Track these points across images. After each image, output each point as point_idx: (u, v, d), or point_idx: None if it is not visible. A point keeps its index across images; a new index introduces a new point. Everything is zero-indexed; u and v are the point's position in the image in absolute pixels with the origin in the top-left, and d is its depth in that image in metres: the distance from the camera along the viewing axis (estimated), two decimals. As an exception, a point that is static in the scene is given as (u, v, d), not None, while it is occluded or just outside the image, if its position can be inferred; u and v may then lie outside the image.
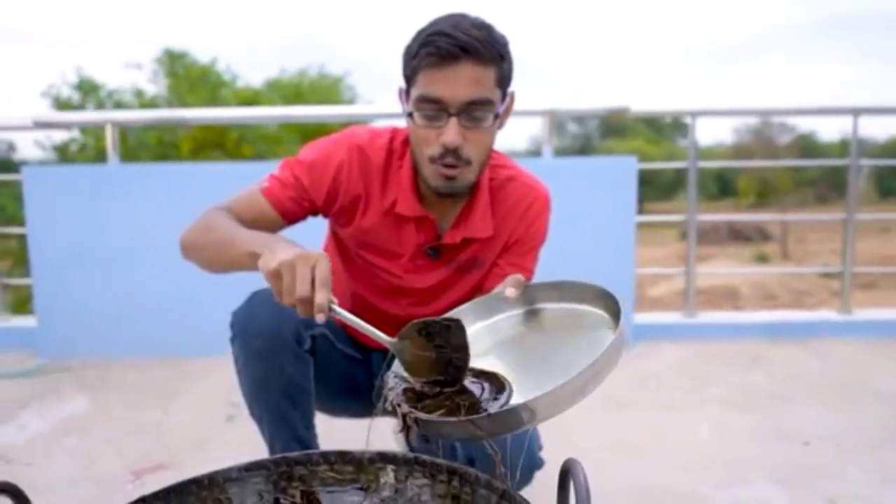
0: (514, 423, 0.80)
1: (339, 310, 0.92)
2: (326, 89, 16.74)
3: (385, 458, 0.94)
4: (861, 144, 3.01)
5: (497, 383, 0.94)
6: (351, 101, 17.20)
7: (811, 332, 2.97)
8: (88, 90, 15.09)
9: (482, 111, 1.13)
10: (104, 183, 2.84)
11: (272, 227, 1.23)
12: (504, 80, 1.16)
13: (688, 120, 2.96)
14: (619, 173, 2.77)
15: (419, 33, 1.13)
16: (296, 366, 1.25)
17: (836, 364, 2.66)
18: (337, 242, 1.37)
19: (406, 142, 1.27)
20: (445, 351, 0.90)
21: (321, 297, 0.89)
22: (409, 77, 1.15)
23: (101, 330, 2.85)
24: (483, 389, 0.93)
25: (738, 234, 23.48)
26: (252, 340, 1.23)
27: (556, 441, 1.27)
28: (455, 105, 1.11)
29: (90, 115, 4.77)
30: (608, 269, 2.77)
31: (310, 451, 0.94)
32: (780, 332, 2.96)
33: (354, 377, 1.46)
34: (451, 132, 1.12)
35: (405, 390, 0.94)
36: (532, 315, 1.09)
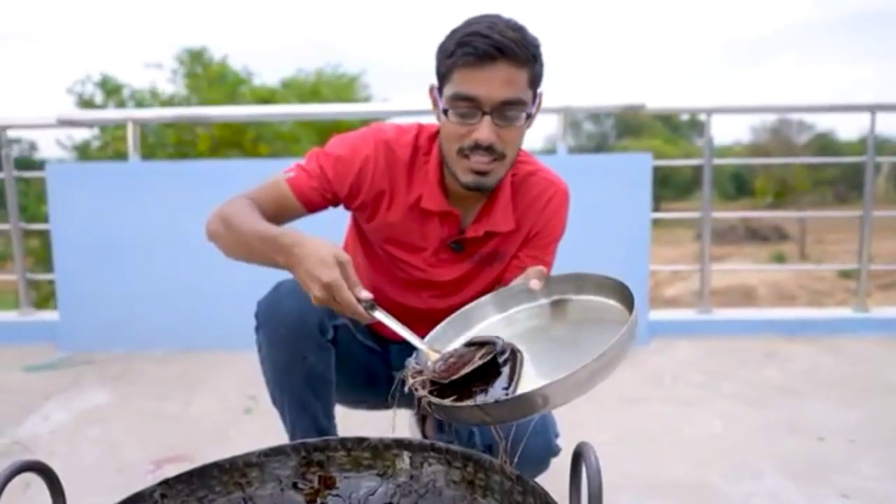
0: (524, 410, 0.82)
1: (377, 311, 1.00)
2: (342, 88, 16.82)
3: (401, 444, 0.96)
4: (880, 142, 2.99)
5: (511, 363, 0.97)
6: (366, 100, 17.27)
7: (827, 329, 2.96)
8: (111, 90, 15.28)
9: (515, 111, 1.15)
10: (125, 180, 2.89)
11: (294, 215, 1.28)
12: (536, 81, 1.19)
13: (703, 117, 2.97)
14: (635, 170, 2.78)
15: (454, 32, 1.16)
16: (318, 354, 1.28)
17: (850, 360, 2.66)
18: (360, 235, 1.40)
19: (431, 138, 1.30)
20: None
21: (359, 319, 1.00)
22: (444, 75, 1.18)
23: (123, 323, 2.91)
24: (497, 375, 0.95)
25: (755, 234, 23.32)
26: (277, 328, 1.26)
27: (570, 434, 1.29)
28: (489, 104, 1.14)
29: (112, 114, 4.86)
30: (623, 265, 2.77)
31: (328, 437, 0.97)
32: (796, 330, 2.96)
33: (373, 369, 1.49)
34: (485, 130, 1.15)
35: (423, 378, 0.96)
36: (552, 307, 1.11)
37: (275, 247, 1.08)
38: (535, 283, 1.08)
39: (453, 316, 1.11)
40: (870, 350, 2.78)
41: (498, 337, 0.99)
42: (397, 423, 1.92)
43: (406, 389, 0.95)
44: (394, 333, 1.45)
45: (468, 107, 1.15)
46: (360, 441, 0.97)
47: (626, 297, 0.99)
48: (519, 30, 1.15)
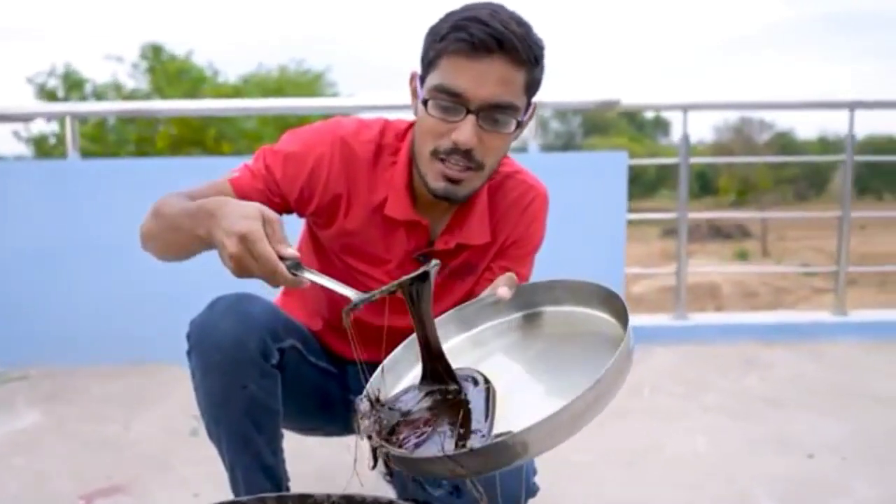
0: (503, 459, 0.68)
1: (304, 271, 0.86)
2: (307, 85, 16.50)
3: (352, 501, 0.80)
4: (837, 142, 2.92)
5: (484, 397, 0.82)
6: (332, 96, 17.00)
7: (805, 333, 2.87)
8: (73, 84, 14.76)
9: (505, 116, 1.00)
10: (63, 179, 2.67)
11: None
12: (533, 88, 1.04)
13: (670, 115, 2.85)
14: (610, 169, 2.65)
15: (450, 15, 1.00)
16: (260, 382, 1.10)
17: (833, 367, 2.56)
18: (314, 244, 1.24)
19: (400, 136, 1.14)
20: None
21: (283, 282, 0.85)
22: (431, 61, 1.02)
23: (62, 336, 2.68)
24: (469, 409, 0.80)
25: (718, 232, 23.59)
26: (211, 353, 1.08)
27: (546, 456, 1.14)
28: (477, 102, 0.98)
29: (49, 107, 4.52)
30: (598, 267, 2.65)
31: (263, 496, 0.80)
32: (774, 334, 2.86)
33: (328, 392, 1.32)
34: (467, 131, 0.99)
35: (380, 416, 0.81)
36: (525, 321, 0.96)
37: (198, 216, 0.93)
38: (503, 291, 0.94)
39: (412, 338, 0.96)
40: (851, 356, 2.69)
41: (476, 373, 0.83)
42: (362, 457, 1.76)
43: (360, 437, 0.79)
44: (351, 353, 1.29)
45: (452, 101, 0.99)
46: (302, 499, 0.81)
47: (612, 307, 0.85)
48: (524, 25, 0.99)
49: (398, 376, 0.96)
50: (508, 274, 0.96)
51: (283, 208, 1.13)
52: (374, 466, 0.77)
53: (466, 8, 0.99)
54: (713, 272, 15.17)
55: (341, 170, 1.11)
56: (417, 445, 0.76)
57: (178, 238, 1.00)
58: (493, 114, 0.99)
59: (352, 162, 1.12)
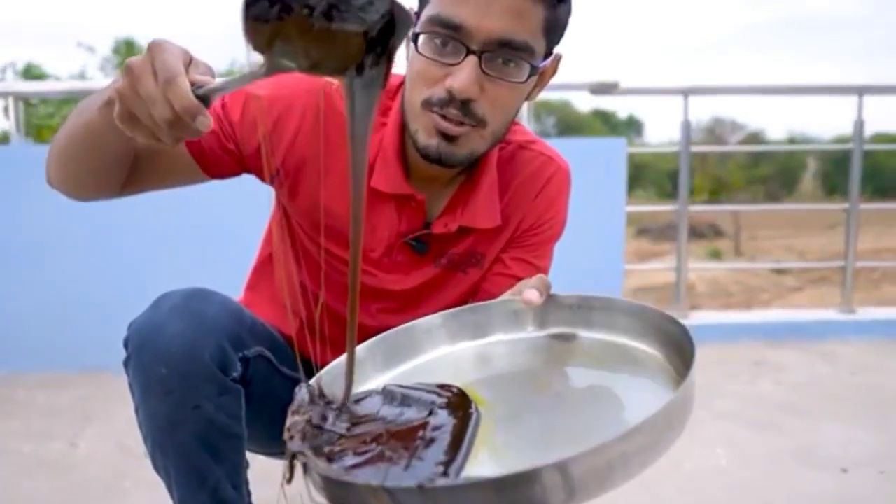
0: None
1: (216, 86, 0.58)
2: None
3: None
4: (804, 140, 2.78)
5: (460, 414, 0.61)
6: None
7: (813, 333, 2.71)
8: (35, 77, 14.25)
9: (516, 59, 0.79)
10: (7, 167, 2.40)
11: (187, 177, 0.90)
12: (554, 30, 0.82)
13: (677, 100, 2.67)
14: (608, 157, 2.46)
15: None
16: (218, 401, 0.86)
17: (847, 370, 2.40)
18: (285, 220, 1.01)
19: (391, 94, 0.92)
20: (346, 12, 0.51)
21: (178, 101, 0.57)
22: None
23: (5, 339, 2.41)
24: (438, 434, 0.59)
25: (691, 230, 23.70)
26: (154, 366, 0.84)
27: None
28: (480, 39, 0.77)
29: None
30: (595, 261, 2.46)
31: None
32: (780, 334, 2.70)
33: None
34: (464, 75, 0.78)
35: (319, 415, 0.62)
36: (549, 342, 0.75)
37: (107, 94, 0.69)
38: (531, 295, 0.73)
39: (388, 333, 0.77)
40: (864, 356, 2.54)
41: (462, 391, 0.63)
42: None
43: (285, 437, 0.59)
44: (323, 358, 1.06)
45: (448, 36, 0.77)
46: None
47: (671, 342, 0.64)
48: None
49: (365, 378, 0.74)
50: (540, 276, 0.75)
51: (238, 159, 0.90)
52: (290, 480, 0.57)
53: None
54: (714, 269, 15.06)
55: (316, 125, 0.89)
56: (354, 466, 0.54)
57: (82, 125, 0.77)
58: (499, 54, 0.78)
59: (331, 118, 0.89)
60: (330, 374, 0.69)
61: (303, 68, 0.53)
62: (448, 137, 0.82)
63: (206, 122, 0.58)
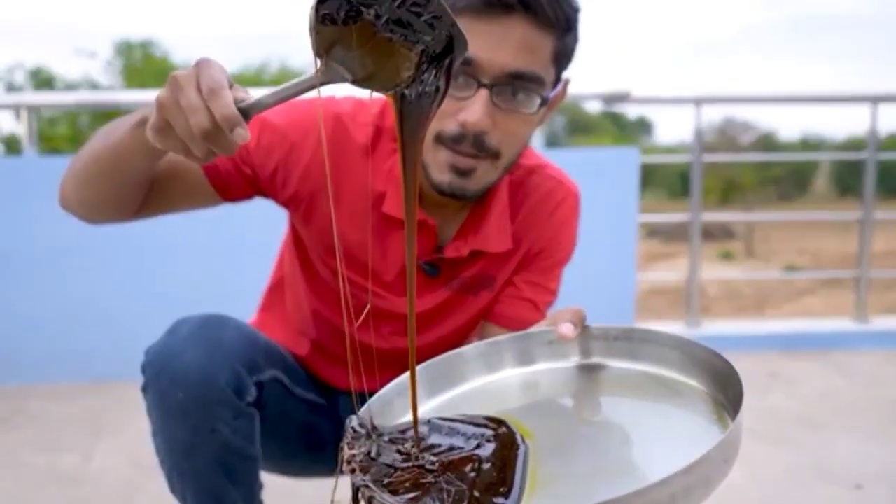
0: None
1: (257, 101, 0.59)
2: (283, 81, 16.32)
3: None
4: (817, 142, 2.75)
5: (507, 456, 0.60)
6: (314, 97, 16.81)
7: (826, 343, 2.69)
8: (42, 81, 14.37)
9: (526, 90, 0.80)
10: (19, 178, 2.41)
11: (200, 197, 0.91)
12: (563, 58, 0.84)
13: (688, 109, 2.66)
14: (621, 166, 2.45)
15: None
16: (234, 425, 0.89)
17: (864, 382, 2.38)
18: (297, 244, 1.02)
19: None
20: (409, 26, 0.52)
21: (220, 110, 0.57)
22: None
23: (17, 350, 2.43)
24: (491, 467, 0.59)
25: (702, 232, 23.60)
26: (172, 391, 0.86)
27: None
28: (492, 73, 0.78)
29: (2, 98, 4.25)
30: (609, 272, 2.45)
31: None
32: (794, 344, 2.68)
33: (317, 429, 1.11)
34: (477, 109, 0.79)
35: (373, 448, 0.61)
36: (591, 372, 0.74)
37: (139, 115, 0.72)
38: (566, 329, 0.72)
39: (433, 361, 0.76)
40: (879, 368, 2.51)
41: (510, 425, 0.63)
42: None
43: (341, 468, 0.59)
44: (347, 381, 1.07)
45: (461, 71, 0.78)
46: None
47: (713, 374, 0.64)
48: None
49: (405, 409, 0.74)
50: (576, 309, 0.74)
51: (254, 184, 0.91)
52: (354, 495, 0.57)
53: None
54: (725, 275, 14.97)
55: (330, 153, 0.91)
56: (415, 500, 0.54)
57: (108, 147, 0.78)
58: (511, 87, 0.79)
59: (344, 145, 0.91)
60: (378, 404, 0.69)
61: (356, 78, 0.54)
62: (461, 172, 0.83)
63: (245, 134, 0.58)
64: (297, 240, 1.02)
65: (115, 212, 0.89)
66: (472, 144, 0.81)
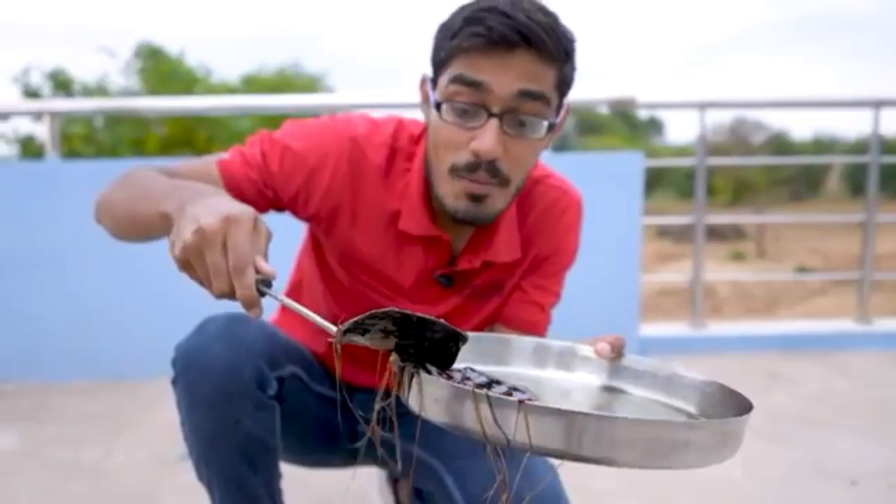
0: (545, 434, 0.53)
1: (274, 294, 0.69)
2: (303, 87, 16.36)
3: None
4: (830, 142, 2.78)
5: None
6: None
7: (829, 344, 2.73)
8: (61, 82, 14.49)
9: (533, 113, 0.85)
10: (41, 182, 2.50)
11: None
12: (564, 86, 0.89)
13: (676, 119, 2.71)
14: (625, 171, 2.50)
15: (463, 8, 0.86)
16: (256, 417, 0.95)
17: (864, 382, 2.42)
18: (316, 250, 1.09)
19: (415, 140, 0.99)
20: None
21: (242, 290, 0.67)
22: (443, 61, 0.88)
23: (38, 349, 2.51)
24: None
25: (713, 232, 23.50)
26: (199, 384, 0.93)
27: (573, 486, 1.00)
28: (501, 98, 0.84)
29: (26, 105, 4.36)
30: (612, 274, 2.50)
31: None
32: (796, 345, 2.72)
33: (333, 423, 1.17)
34: (489, 137, 0.84)
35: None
36: (603, 392, 0.79)
37: (178, 192, 0.79)
38: (602, 347, 0.78)
39: (484, 336, 0.83)
40: (879, 368, 2.56)
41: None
42: (366, 490, 1.60)
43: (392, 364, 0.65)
44: (362, 378, 1.13)
45: (471, 100, 0.84)
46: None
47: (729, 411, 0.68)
48: (550, 15, 0.85)
49: None
50: (619, 336, 0.79)
51: (275, 204, 0.98)
52: (398, 388, 0.64)
53: None
54: (731, 276, 14.95)
55: (347, 176, 0.97)
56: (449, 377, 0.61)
57: (140, 211, 0.85)
58: (519, 112, 0.85)
59: (361, 167, 0.97)
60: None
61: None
62: (475, 198, 0.89)
63: (257, 313, 0.68)
64: (316, 246, 1.08)
65: (144, 241, 0.96)
66: (486, 171, 0.87)
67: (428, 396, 0.59)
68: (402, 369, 0.63)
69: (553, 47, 0.84)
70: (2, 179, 2.50)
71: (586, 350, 0.80)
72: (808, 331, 2.83)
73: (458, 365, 0.71)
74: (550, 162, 2.74)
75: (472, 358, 0.80)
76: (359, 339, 0.64)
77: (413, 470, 1.17)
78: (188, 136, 13.78)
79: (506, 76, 0.83)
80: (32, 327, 2.51)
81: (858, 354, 2.68)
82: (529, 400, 0.56)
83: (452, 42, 0.85)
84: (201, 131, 13.66)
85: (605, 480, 1.70)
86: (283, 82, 16.22)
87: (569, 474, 1.07)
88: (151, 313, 2.47)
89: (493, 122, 0.84)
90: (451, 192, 0.90)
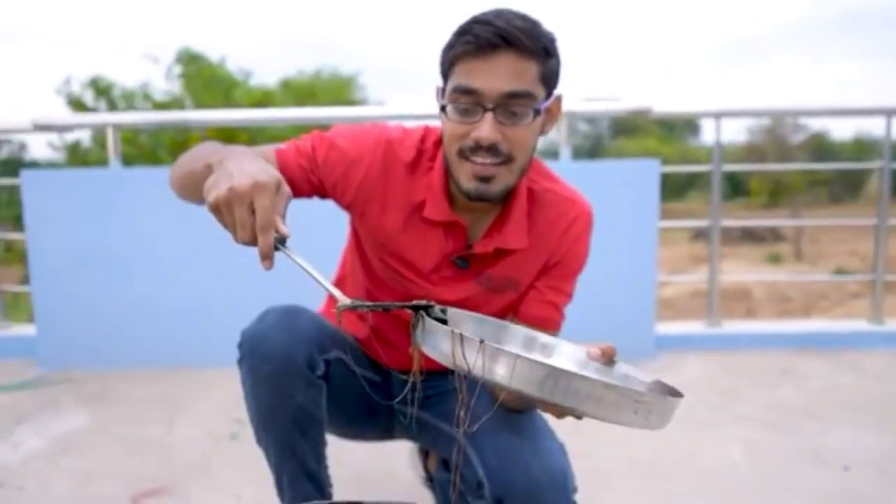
0: (495, 368, 0.69)
1: (287, 251, 0.84)
2: (338, 89, 16.68)
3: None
4: (872, 144, 2.88)
5: None
6: (362, 102, 17.16)
7: (841, 343, 2.84)
8: (101, 89, 15.00)
9: (521, 106, 1.03)
10: (106, 187, 2.75)
11: None
12: (549, 78, 1.07)
13: (710, 120, 2.84)
14: (642, 178, 2.65)
15: (458, 26, 1.06)
16: (307, 393, 1.16)
17: (871, 379, 2.53)
18: (357, 243, 1.29)
19: (437, 143, 1.18)
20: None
21: (263, 244, 0.83)
22: (446, 71, 1.07)
23: (103, 339, 2.76)
24: None
25: (750, 234, 23.22)
26: (261, 364, 1.14)
27: (578, 465, 1.16)
28: (491, 98, 1.02)
29: (91, 118, 4.69)
30: (629, 277, 2.66)
31: (324, 503, 0.84)
32: (809, 343, 2.84)
33: (371, 402, 1.36)
34: (486, 127, 1.02)
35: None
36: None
37: (220, 151, 0.97)
38: (594, 352, 0.92)
39: (511, 326, 0.97)
40: (890, 367, 2.65)
41: None
42: (399, 460, 1.79)
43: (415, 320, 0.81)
44: (397, 362, 1.32)
45: (468, 102, 1.03)
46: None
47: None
48: (529, 21, 1.03)
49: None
50: (611, 345, 0.92)
51: (320, 190, 1.17)
52: (416, 325, 0.80)
53: (473, 15, 1.05)
54: (747, 278, 14.85)
55: (381, 171, 1.16)
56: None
57: (193, 167, 1.03)
58: (509, 106, 1.02)
59: (392, 165, 1.16)
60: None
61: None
62: (483, 179, 1.07)
63: (268, 266, 0.84)
64: (356, 238, 1.28)
65: (193, 199, 1.13)
66: (488, 152, 1.05)
67: (428, 334, 0.77)
68: (416, 318, 0.80)
69: (532, 45, 1.01)
70: (71, 186, 2.75)
71: (575, 349, 0.93)
72: (821, 329, 2.94)
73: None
74: (571, 170, 2.99)
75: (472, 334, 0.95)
76: (364, 307, 0.82)
77: (438, 442, 1.35)
78: (229, 140, 14.20)
79: (494, 81, 1.01)
80: (97, 320, 2.75)
81: (870, 353, 2.79)
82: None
83: (450, 53, 1.04)
84: (242, 135, 14.08)
85: (616, 464, 1.86)
86: (319, 85, 16.59)
87: (579, 456, 1.25)
88: (203, 308, 2.70)
89: (488, 115, 1.02)
90: (463, 174, 1.08)
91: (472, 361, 0.70)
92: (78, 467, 1.91)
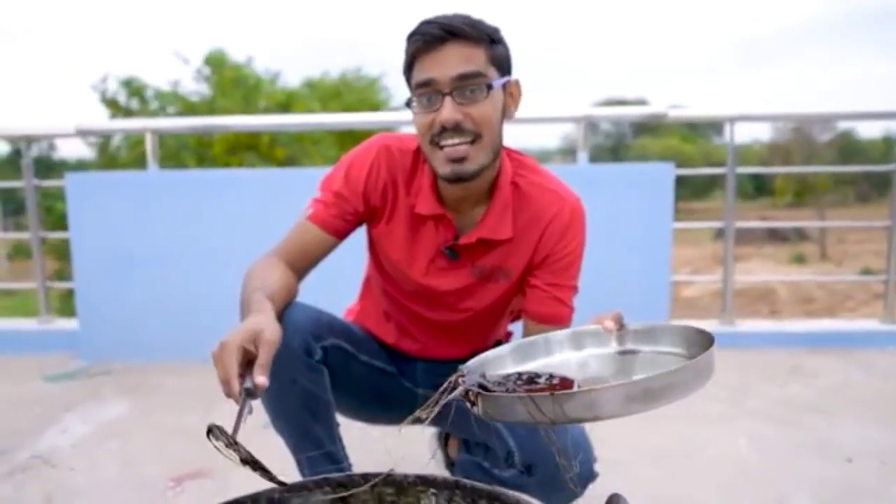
0: (575, 410, 0.77)
1: (245, 409, 0.97)
2: (362, 90, 16.85)
3: (426, 481, 0.95)
4: None
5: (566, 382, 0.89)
6: (385, 102, 17.29)
7: (853, 342, 2.90)
8: (135, 90, 15.30)
9: (474, 85, 1.13)
10: (144, 189, 2.90)
11: (326, 247, 1.28)
12: (499, 62, 1.17)
13: (726, 125, 2.92)
14: (656, 180, 2.73)
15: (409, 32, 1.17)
16: (309, 376, 1.26)
17: (881, 376, 2.59)
18: (371, 252, 1.40)
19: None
20: None
21: (229, 395, 0.94)
22: (407, 74, 1.19)
23: (142, 333, 2.91)
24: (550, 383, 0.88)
25: (775, 234, 23.02)
26: None
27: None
28: (446, 83, 1.13)
29: (130, 123, 4.92)
30: (643, 276, 2.74)
31: (351, 473, 0.96)
32: (821, 342, 2.90)
33: (385, 388, 1.45)
34: (447, 109, 1.13)
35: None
36: (620, 357, 1.02)
37: (241, 309, 1.15)
38: (609, 325, 1.01)
39: (522, 342, 1.05)
40: (899, 365, 2.71)
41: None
42: (417, 442, 1.90)
43: (449, 389, 0.88)
44: (418, 351, 1.44)
45: (427, 92, 1.14)
46: (384, 477, 0.95)
47: (705, 345, 0.91)
48: (471, 18, 1.15)
49: (504, 368, 1.02)
50: (617, 311, 1.03)
51: (358, 220, 1.30)
52: (465, 397, 0.86)
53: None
54: (765, 278, 14.74)
55: (386, 171, 1.28)
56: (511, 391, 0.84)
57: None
58: (464, 88, 1.13)
59: (393, 166, 1.29)
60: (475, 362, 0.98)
61: None
62: (456, 160, 1.16)
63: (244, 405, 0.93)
64: (370, 240, 1.39)
65: None
66: (455, 133, 1.14)
67: (493, 408, 0.83)
68: (472, 395, 0.86)
69: (475, 34, 1.13)
70: (112, 187, 2.91)
71: (592, 328, 1.02)
72: (833, 329, 3.00)
73: (504, 371, 0.95)
74: (588, 173, 3.09)
75: (512, 360, 1.02)
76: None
77: (462, 424, 1.44)
78: (252, 140, 14.42)
79: (446, 68, 1.12)
80: (135, 315, 2.91)
81: (881, 352, 2.84)
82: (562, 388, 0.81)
83: (406, 57, 1.16)
84: (265, 135, 14.30)
85: (627, 454, 1.95)
86: (344, 86, 16.77)
87: (594, 445, 1.34)
88: (237, 304, 2.83)
89: (447, 99, 1.13)
90: (438, 162, 1.18)
91: (549, 413, 0.76)
92: (122, 451, 2.05)
